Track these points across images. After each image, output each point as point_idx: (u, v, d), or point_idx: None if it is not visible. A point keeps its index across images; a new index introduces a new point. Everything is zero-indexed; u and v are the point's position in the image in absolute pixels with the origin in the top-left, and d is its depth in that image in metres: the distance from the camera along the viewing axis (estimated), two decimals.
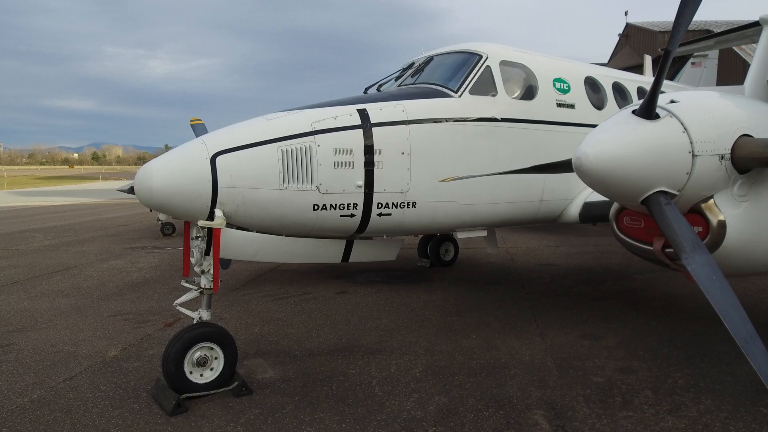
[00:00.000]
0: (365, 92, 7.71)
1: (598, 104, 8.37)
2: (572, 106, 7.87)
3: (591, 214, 7.68)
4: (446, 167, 6.54)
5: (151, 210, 17.68)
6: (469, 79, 6.88)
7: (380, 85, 7.72)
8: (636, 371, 5.92)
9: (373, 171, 5.97)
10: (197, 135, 11.21)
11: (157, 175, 5.06)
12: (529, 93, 7.50)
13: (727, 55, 26.00)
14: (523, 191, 7.36)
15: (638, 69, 39.31)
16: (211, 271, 5.59)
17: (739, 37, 15.81)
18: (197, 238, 5.47)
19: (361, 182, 5.91)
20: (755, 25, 14.61)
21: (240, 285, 10.48)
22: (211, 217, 5.29)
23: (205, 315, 5.70)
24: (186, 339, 5.38)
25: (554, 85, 7.74)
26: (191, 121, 11.29)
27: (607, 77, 9.05)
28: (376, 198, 6.05)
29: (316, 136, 5.69)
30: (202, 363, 5.44)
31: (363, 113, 6.04)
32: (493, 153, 6.94)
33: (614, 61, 42.65)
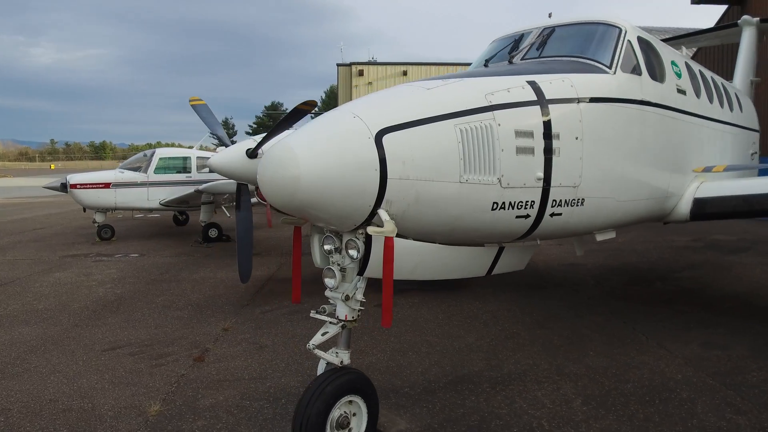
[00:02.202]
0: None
1: (697, 92, 7.47)
2: (684, 93, 6.92)
3: (705, 212, 6.74)
4: (609, 157, 5.30)
5: (85, 209, 14.99)
6: (617, 53, 5.69)
7: (486, 62, 6.30)
8: None
9: (551, 160, 4.58)
10: (202, 118, 9.16)
11: (306, 160, 3.40)
12: (661, 75, 6.44)
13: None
14: (658, 186, 6.28)
15: None
16: (358, 297, 4.00)
17: (715, 37, 16.01)
18: (346, 249, 3.86)
19: (541, 174, 4.51)
20: (733, 26, 14.77)
21: (247, 300, 8.62)
22: (369, 220, 3.70)
23: (346, 357, 4.08)
24: (328, 394, 3.77)
25: (672, 68, 6.74)
26: (191, 101, 9.21)
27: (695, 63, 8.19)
28: (552, 194, 4.66)
29: (494, 112, 4.21)
30: (343, 425, 3.82)
31: (535, 87, 4.64)
32: (642, 142, 5.81)
33: None
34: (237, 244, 8.06)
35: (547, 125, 4.58)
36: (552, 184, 4.65)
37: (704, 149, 7.45)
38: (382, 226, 3.66)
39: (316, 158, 3.44)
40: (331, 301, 4.24)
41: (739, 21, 14.42)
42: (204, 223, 14.30)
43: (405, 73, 59.85)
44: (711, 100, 8.03)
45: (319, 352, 4.10)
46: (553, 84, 4.82)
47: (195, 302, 8.45)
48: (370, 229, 3.62)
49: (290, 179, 3.40)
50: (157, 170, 14.91)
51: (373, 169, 3.57)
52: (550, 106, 4.65)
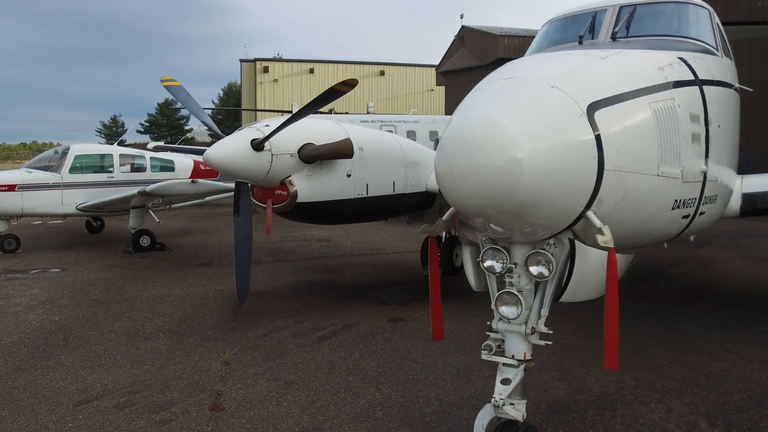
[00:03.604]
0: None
1: None
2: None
3: (755, 207, 6.34)
4: (728, 148, 4.66)
5: None
6: (716, 35, 5.11)
7: (552, 43, 5.45)
8: None
9: (708, 150, 3.85)
10: (182, 102, 7.40)
11: (527, 141, 2.47)
12: (732, 59, 5.95)
13: None
14: (735, 179, 5.74)
15: (475, 70, 41.04)
16: (542, 329, 3.01)
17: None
18: (528, 265, 2.87)
19: (705, 166, 3.75)
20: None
21: (230, 321, 7.19)
22: (572, 226, 2.74)
23: (523, 409, 3.03)
24: None
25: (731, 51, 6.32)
26: (163, 81, 7.43)
27: None
28: (705, 189, 3.90)
29: (673, 90, 3.39)
30: None
31: (687, 64, 3.88)
32: (735, 131, 5.25)
33: (451, 62, 44.06)
34: (235, 255, 6.63)
35: (705, 110, 3.86)
36: (708, 177, 3.91)
37: None
38: (589, 232, 2.71)
39: (536, 139, 2.45)
40: (499, 336, 3.16)
41: None
42: (134, 230, 12.33)
43: (312, 71, 58.56)
44: None
45: (510, 410, 3.00)
46: (697, 63, 4.11)
47: (165, 328, 6.89)
48: (603, 239, 2.63)
49: (509, 169, 2.39)
50: (73, 170, 12.68)
51: (591, 157, 2.63)
52: (704, 87, 3.94)
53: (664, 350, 5.93)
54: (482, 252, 3.18)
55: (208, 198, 13.71)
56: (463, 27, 44.09)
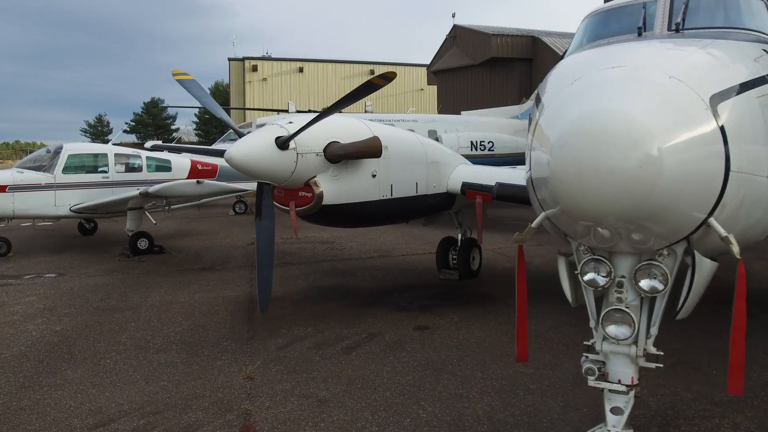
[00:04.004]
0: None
1: None
2: None
3: None
4: None
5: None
6: None
7: (599, 37, 5.09)
8: None
9: None
10: (197, 98, 6.90)
11: (663, 136, 2.11)
12: None
13: None
14: None
15: (467, 69, 40.75)
16: (652, 350, 2.67)
17: None
18: (638, 279, 2.52)
19: None
20: None
21: (245, 330, 6.77)
22: (691, 235, 2.40)
23: None
24: None
25: None
26: (175, 75, 6.93)
27: None
28: None
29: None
30: None
31: None
32: None
33: (443, 61, 43.76)
34: (257, 261, 6.18)
35: None
36: None
37: None
38: (705, 242, 2.36)
39: (672, 135, 2.14)
40: (599, 357, 2.80)
41: None
42: (131, 232, 11.82)
43: (301, 70, 58.01)
44: None
45: None
46: None
47: (176, 338, 6.46)
48: (734, 250, 2.29)
49: (647, 168, 2.03)
50: (67, 170, 12.13)
51: (720, 156, 2.29)
52: None
53: (710, 359, 5.64)
54: (581, 263, 2.82)
55: (204, 199, 13.25)
56: (455, 26, 43.81)
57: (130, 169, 13.11)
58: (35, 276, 9.95)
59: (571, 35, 33.98)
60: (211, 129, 72.84)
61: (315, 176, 5.97)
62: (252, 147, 5.67)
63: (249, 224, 16.75)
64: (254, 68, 57.31)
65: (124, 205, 11.67)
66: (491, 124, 21.83)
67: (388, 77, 5.80)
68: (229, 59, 57.22)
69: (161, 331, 6.74)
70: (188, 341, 6.35)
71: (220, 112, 6.90)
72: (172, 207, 12.30)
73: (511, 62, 37.83)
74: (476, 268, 9.46)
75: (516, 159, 18.45)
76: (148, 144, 15.52)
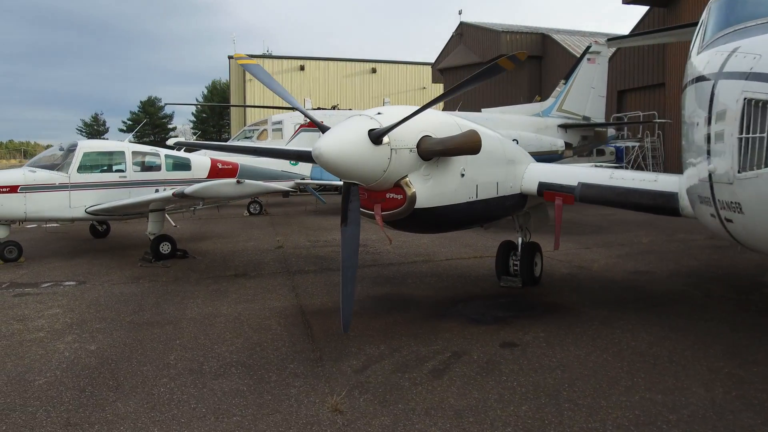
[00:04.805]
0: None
1: None
2: None
3: None
4: None
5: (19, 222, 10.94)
6: None
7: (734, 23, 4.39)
8: None
9: None
10: (266, 84, 6.01)
11: None
12: None
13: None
14: None
15: (474, 67, 40.30)
16: None
17: (680, 34, 15.47)
18: None
19: None
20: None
21: (309, 349, 5.96)
22: None
23: None
24: None
25: None
26: (237, 59, 6.07)
27: None
28: None
29: None
30: None
31: None
32: None
33: (449, 59, 42.98)
34: (342, 275, 5.33)
35: None
36: None
37: None
38: None
39: None
40: None
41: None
42: (153, 235, 10.96)
43: (302, 68, 57.21)
44: None
45: None
46: None
47: (233, 360, 5.64)
48: None
49: None
50: (82, 169, 11.28)
51: None
52: None
53: None
54: None
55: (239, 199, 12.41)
56: (461, 23, 43.14)
57: (149, 167, 12.25)
58: (53, 284, 9.08)
59: (580, 33, 33.46)
60: (208, 128, 71.99)
61: (406, 175, 5.18)
62: (345, 141, 4.86)
63: (268, 225, 15.94)
64: None
65: (146, 207, 10.82)
66: (514, 121, 21.09)
67: (517, 59, 4.98)
68: (229, 57, 56.35)
69: (213, 350, 5.91)
70: (248, 363, 5.53)
71: (291, 100, 6.06)
72: (197, 208, 11.48)
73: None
74: (538, 274, 8.69)
75: (540, 157, 17.68)
76: (171, 141, 14.68)
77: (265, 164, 15.12)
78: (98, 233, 13.93)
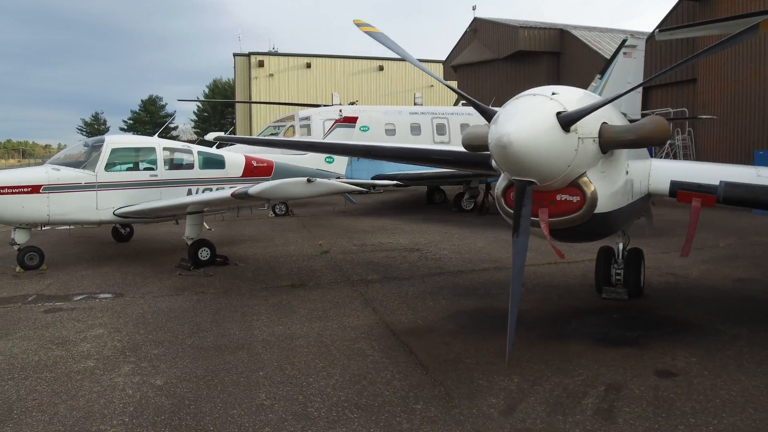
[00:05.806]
0: None
1: None
2: None
3: None
4: None
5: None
6: None
7: None
8: None
9: None
10: (385, 44, 4.92)
11: None
12: None
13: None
14: None
15: (489, 64, 38.97)
16: None
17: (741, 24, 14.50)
18: None
19: None
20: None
21: (442, 384, 4.88)
22: None
23: None
24: None
25: None
26: (360, 25, 5.00)
27: None
28: None
29: None
30: None
31: None
32: None
33: (463, 56, 41.92)
34: (512, 295, 4.23)
35: None
36: None
37: None
38: None
39: None
40: None
41: None
42: (191, 240, 9.86)
43: (309, 66, 56.04)
44: None
45: None
46: None
47: (341, 399, 4.56)
48: None
49: None
50: (110, 167, 10.17)
51: None
52: None
53: None
54: None
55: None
56: (475, 19, 42.00)
57: (180, 165, 11.14)
58: (87, 297, 7.98)
59: (599, 29, 32.52)
60: (210, 127, 70.69)
61: (585, 172, 4.15)
62: (536, 126, 3.82)
63: (300, 228, 14.81)
64: (260, 63, 55.35)
65: (184, 210, 9.73)
66: None
67: None
68: (235, 54, 55.08)
69: (310, 385, 4.83)
70: (361, 403, 4.46)
71: (418, 64, 4.97)
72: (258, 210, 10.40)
73: (539, 56, 36.14)
74: (643, 284, 7.64)
75: None
76: (210, 136, 13.56)
77: (298, 162, 14.02)
78: (121, 236, 12.80)
